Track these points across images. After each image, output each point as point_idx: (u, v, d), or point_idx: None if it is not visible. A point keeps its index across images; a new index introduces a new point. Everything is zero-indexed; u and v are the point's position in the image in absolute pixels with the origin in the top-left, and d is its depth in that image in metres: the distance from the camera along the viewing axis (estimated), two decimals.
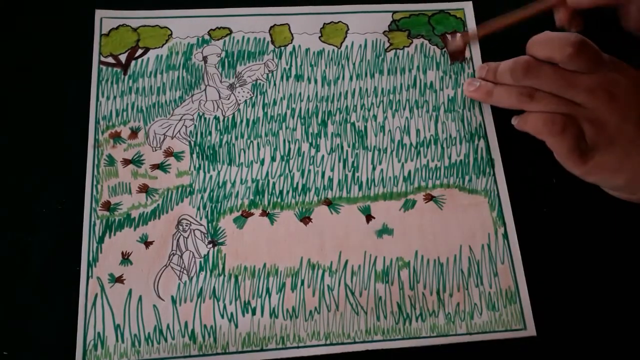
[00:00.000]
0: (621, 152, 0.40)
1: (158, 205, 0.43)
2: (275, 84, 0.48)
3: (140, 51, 0.48)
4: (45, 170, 0.44)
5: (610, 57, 0.42)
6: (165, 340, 0.40)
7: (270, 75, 0.48)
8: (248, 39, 0.49)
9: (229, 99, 0.47)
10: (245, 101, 0.47)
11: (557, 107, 0.41)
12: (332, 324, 0.41)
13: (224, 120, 0.46)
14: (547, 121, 0.41)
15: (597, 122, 0.41)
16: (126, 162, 0.45)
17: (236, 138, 0.46)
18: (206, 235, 0.43)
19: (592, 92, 0.41)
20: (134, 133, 0.46)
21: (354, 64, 0.49)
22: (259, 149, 0.46)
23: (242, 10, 0.50)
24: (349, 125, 0.47)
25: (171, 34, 0.49)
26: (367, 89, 0.48)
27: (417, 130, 0.47)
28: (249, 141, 0.46)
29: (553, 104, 0.42)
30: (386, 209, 0.44)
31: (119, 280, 0.41)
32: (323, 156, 0.46)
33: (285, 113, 0.47)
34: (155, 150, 0.45)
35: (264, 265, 0.42)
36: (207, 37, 0.49)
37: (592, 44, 0.41)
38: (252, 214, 0.44)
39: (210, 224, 0.43)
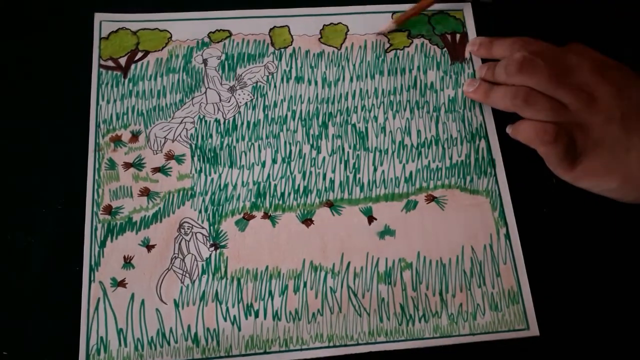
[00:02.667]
0: (607, 154, 0.40)
1: (159, 208, 0.43)
2: (275, 86, 0.48)
3: (140, 54, 0.48)
4: (46, 175, 0.44)
5: (603, 59, 0.43)
6: (169, 343, 0.40)
7: (270, 77, 0.48)
8: (248, 41, 0.49)
9: (229, 101, 0.47)
10: (246, 103, 0.47)
11: (550, 113, 0.41)
12: (335, 326, 0.41)
13: (224, 122, 0.46)
14: (539, 130, 0.41)
15: (583, 126, 0.41)
16: (127, 165, 0.45)
17: (237, 140, 0.46)
18: (208, 238, 0.43)
19: (577, 92, 0.41)
20: (135, 136, 0.45)
21: (354, 65, 0.49)
22: (260, 151, 0.45)
23: (241, 12, 0.50)
24: (349, 126, 0.47)
25: (171, 37, 0.49)
26: (367, 90, 0.48)
27: (418, 131, 0.47)
28: (250, 143, 0.46)
29: (546, 109, 0.41)
30: (388, 210, 0.44)
31: (121, 284, 0.41)
32: (324, 158, 0.46)
33: (286, 115, 0.47)
34: (156, 153, 0.45)
35: (266, 267, 0.42)
36: (207, 39, 0.49)
37: (534, 59, 0.42)
38: (253, 217, 0.44)
39: (212, 227, 0.43)
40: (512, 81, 0.43)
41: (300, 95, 0.47)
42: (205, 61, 0.48)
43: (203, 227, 0.43)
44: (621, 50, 0.50)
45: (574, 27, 0.51)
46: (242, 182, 0.44)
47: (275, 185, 0.44)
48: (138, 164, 0.45)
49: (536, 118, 0.42)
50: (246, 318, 0.41)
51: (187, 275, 0.42)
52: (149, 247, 0.42)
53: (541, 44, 0.44)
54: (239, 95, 0.47)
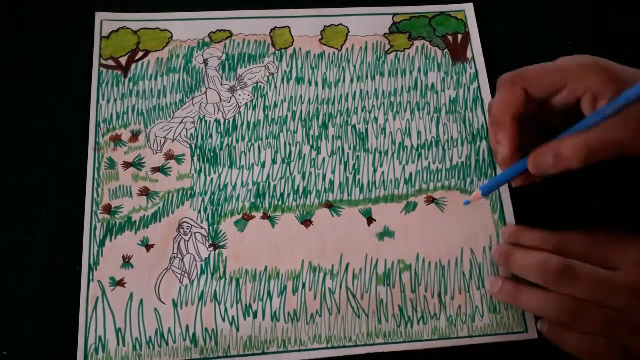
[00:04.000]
0: None
1: (159, 208, 0.43)
2: (276, 87, 0.48)
3: (140, 54, 0.48)
4: (46, 174, 0.44)
5: None
6: (167, 344, 0.40)
7: (271, 78, 0.48)
8: (249, 41, 0.49)
9: (229, 101, 0.47)
10: (246, 104, 0.47)
11: (601, 327, 0.36)
12: (333, 327, 0.41)
13: (224, 123, 0.46)
14: (590, 350, 0.36)
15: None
16: (127, 165, 0.45)
17: (237, 141, 0.46)
18: (207, 238, 0.43)
19: (632, 293, 0.35)
20: (135, 136, 0.45)
21: (354, 67, 0.49)
22: (260, 151, 0.45)
23: (242, 12, 0.50)
24: (350, 127, 0.47)
25: (172, 37, 0.49)
26: (368, 91, 0.48)
27: (419, 132, 0.47)
28: (249, 144, 0.46)
29: (597, 323, 0.36)
30: (387, 212, 0.44)
31: (120, 283, 0.41)
32: (324, 159, 0.46)
33: (286, 116, 0.47)
34: (156, 153, 0.45)
35: (265, 268, 0.42)
36: (207, 39, 0.49)
37: (573, 265, 0.36)
38: (253, 217, 0.44)
39: (211, 227, 0.43)
40: (551, 289, 0.37)
41: (301, 96, 0.47)
42: (205, 61, 0.48)
43: (202, 227, 0.43)
44: (621, 50, 0.50)
45: (575, 27, 0.51)
46: (242, 182, 0.44)
47: (275, 186, 0.44)
48: (138, 164, 0.45)
49: (585, 332, 0.37)
50: (245, 319, 0.41)
51: (186, 275, 0.42)
52: (148, 247, 0.42)
53: (578, 240, 0.39)
54: (240, 95, 0.47)
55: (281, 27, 0.50)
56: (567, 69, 0.38)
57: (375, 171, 0.45)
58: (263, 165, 0.45)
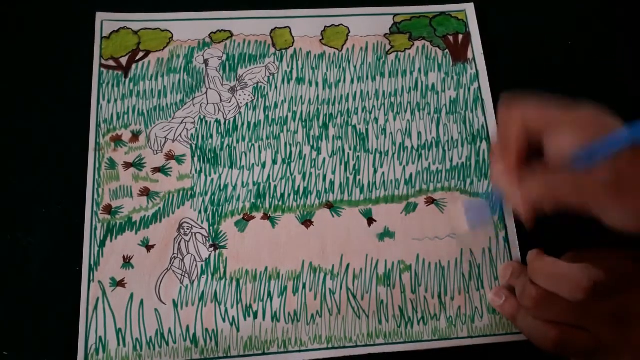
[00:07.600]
0: None
1: (159, 208, 0.43)
2: (276, 87, 0.48)
3: (141, 54, 0.48)
4: (46, 174, 0.44)
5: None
6: (167, 344, 0.40)
7: (271, 78, 0.48)
8: (249, 42, 0.49)
9: (230, 102, 0.47)
10: (247, 104, 0.47)
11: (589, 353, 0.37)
12: (334, 328, 0.41)
13: (225, 123, 0.46)
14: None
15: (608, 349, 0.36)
16: (127, 165, 0.45)
17: (237, 141, 0.46)
18: (207, 238, 0.43)
19: (603, 320, 0.36)
20: (135, 136, 0.45)
21: (355, 67, 0.49)
22: (260, 152, 0.46)
23: (243, 13, 0.50)
24: (350, 128, 0.47)
25: (172, 37, 0.49)
26: (368, 92, 0.48)
27: (419, 133, 0.47)
28: (250, 144, 0.46)
29: (582, 350, 0.37)
30: (388, 212, 0.44)
31: (121, 284, 0.41)
32: (324, 159, 0.46)
33: (287, 116, 0.47)
34: (157, 153, 0.45)
35: (266, 268, 0.42)
36: (208, 40, 0.49)
37: (608, 280, 0.35)
38: (253, 217, 0.44)
39: (211, 228, 0.43)
40: (532, 315, 0.38)
41: (301, 97, 0.47)
42: (206, 61, 0.48)
43: (203, 228, 0.43)
44: (622, 51, 0.50)
45: (576, 27, 0.51)
46: (242, 182, 0.44)
47: (275, 186, 0.44)
48: (138, 164, 0.45)
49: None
50: (245, 319, 0.41)
51: (186, 275, 0.42)
52: (149, 247, 0.42)
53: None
54: (240, 95, 0.47)
55: (281, 28, 0.50)
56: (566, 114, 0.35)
57: (375, 172, 0.45)
58: (263, 166, 0.45)
